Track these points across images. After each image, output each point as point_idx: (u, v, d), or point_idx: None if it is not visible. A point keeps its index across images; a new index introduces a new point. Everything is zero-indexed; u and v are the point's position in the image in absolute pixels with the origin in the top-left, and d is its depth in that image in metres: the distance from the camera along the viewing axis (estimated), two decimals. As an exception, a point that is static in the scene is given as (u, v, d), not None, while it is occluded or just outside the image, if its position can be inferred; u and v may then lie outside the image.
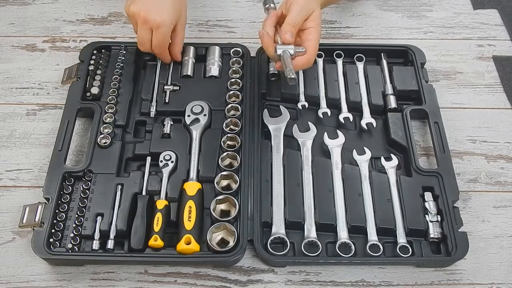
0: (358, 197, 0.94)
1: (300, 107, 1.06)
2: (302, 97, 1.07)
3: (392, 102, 1.06)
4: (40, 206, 0.91)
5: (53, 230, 0.89)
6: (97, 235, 0.89)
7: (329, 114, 1.05)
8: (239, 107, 1.03)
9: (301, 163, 0.97)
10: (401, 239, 0.90)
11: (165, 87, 1.07)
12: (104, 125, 1.00)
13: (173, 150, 0.98)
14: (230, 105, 1.03)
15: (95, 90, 1.05)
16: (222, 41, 1.17)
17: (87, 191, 0.93)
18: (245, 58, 1.11)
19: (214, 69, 1.10)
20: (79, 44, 1.19)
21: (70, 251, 0.88)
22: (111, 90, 1.05)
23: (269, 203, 0.93)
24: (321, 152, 1.01)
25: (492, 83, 1.15)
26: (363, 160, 0.98)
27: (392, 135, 1.01)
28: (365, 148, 1.00)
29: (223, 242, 0.89)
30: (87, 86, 1.06)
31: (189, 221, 0.88)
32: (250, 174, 0.95)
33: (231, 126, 1.02)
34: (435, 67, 1.16)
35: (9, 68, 1.16)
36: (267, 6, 1.02)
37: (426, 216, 0.92)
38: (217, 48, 1.12)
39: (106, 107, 1.03)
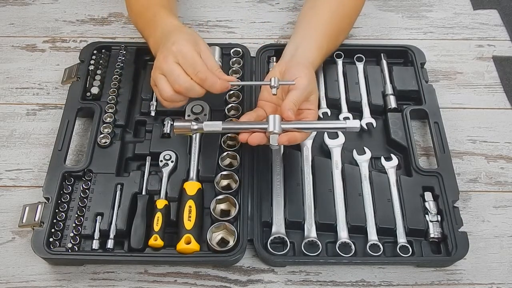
0: (358, 197, 0.94)
1: (300, 107, 1.06)
2: (302, 97, 1.07)
3: (392, 102, 1.06)
4: (40, 206, 0.91)
5: (53, 230, 0.89)
6: (97, 235, 0.88)
7: (329, 114, 1.05)
8: (239, 107, 1.03)
9: (301, 163, 0.97)
10: (401, 239, 0.90)
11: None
12: (104, 125, 1.00)
13: (173, 150, 0.98)
14: (230, 105, 1.03)
15: (95, 90, 1.05)
16: (222, 41, 1.17)
17: (87, 190, 0.93)
18: (245, 58, 1.12)
19: (214, 69, 1.09)
20: (79, 44, 1.19)
21: (70, 250, 0.88)
22: (111, 90, 1.05)
23: (269, 203, 0.93)
24: (321, 152, 1.01)
25: (492, 83, 1.15)
26: (363, 160, 0.98)
27: (392, 135, 1.01)
28: (365, 148, 1.00)
29: (223, 241, 0.89)
30: (87, 86, 1.06)
31: (189, 220, 0.88)
32: (250, 174, 0.95)
33: (231, 126, 1.02)
34: (435, 67, 1.16)
35: (9, 68, 1.16)
36: None
37: (426, 216, 0.92)
38: (217, 48, 1.12)
39: (106, 107, 1.03)
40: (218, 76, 0.86)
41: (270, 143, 0.86)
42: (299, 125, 0.88)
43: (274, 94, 0.89)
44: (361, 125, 1.03)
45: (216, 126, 0.90)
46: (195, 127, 0.89)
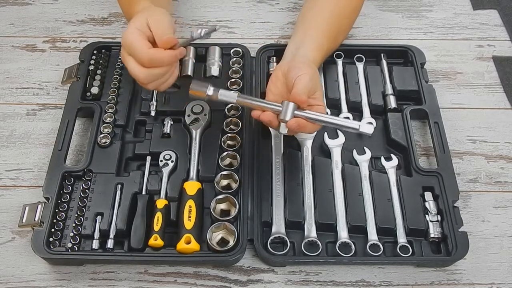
0: (358, 196, 0.94)
1: (300, 107, 1.06)
2: (302, 97, 1.07)
3: (392, 102, 1.06)
4: (40, 206, 0.91)
5: (53, 230, 0.89)
6: (97, 235, 0.89)
7: (329, 114, 1.05)
8: (239, 107, 1.03)
9: (301, 163, 0.97)
10: (401, 239, 0.90)
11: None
12: (104, 125, 1.00)
13: (173, 149, 0.98)
14: (230, 105, 1.03)
15: (95, 90, 1.05)
16: (222, 41, 1.17)
17: (87, 190, 0.93)
18: (245, 58, 1.12)
19: (214, 69, 1.10)
20: (79, 44, 1.20)
21: (70, 250, 0.88)
22: (111, 90, 1.05)
23: (269, 202, 0.93)
24: (321, 152, 1.01)
25: (492, 83, 1.15)
26: (363, 160, 0.98)
27: (392, 135, 1.01)
28: (365, 148, 1.00)
29: (223, 241, 0.89)
30: (87, 86, 1.06)
31: (189, 220, 0.88)
32: (250, 174, 0.95)
33: (231, 126, 1.02)
34: (435, 68, 1.16)
35: (9, 68, 1.16)
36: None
37: (426, 216, 0.92)
38: (217, 48, 1.12)
39: (106, 107, 1.03)
40: (165, 47, 0.84)
41: (280, 131, 0.86)
42: (313, 115, 0.86)
43: (195, 37, 0.84)
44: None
45: (230, 96, 0.88)
46: (210, 92, 0.88)
